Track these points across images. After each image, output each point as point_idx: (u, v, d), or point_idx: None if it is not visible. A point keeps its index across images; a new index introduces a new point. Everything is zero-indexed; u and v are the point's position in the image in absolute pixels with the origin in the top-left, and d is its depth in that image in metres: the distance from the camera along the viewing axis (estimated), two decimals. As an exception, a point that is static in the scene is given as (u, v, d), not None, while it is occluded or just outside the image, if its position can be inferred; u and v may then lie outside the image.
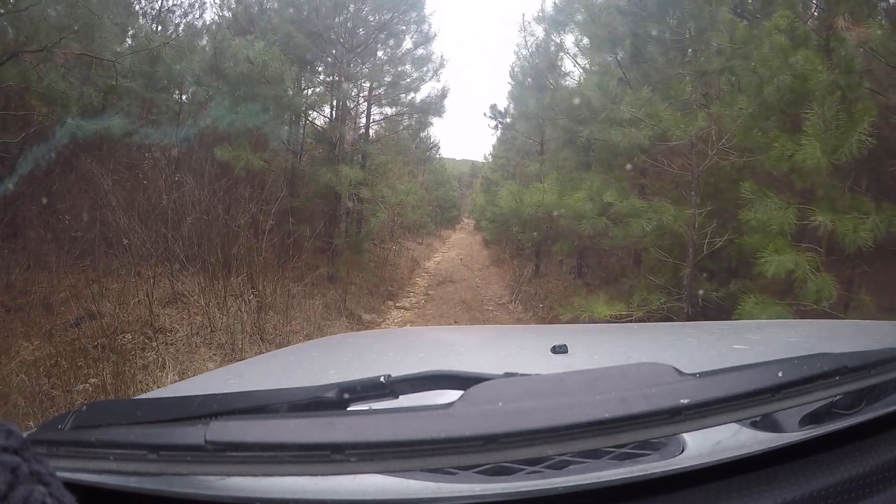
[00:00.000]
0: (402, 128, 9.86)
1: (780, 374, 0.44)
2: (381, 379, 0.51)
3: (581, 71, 7.87)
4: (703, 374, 0.44)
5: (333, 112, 8.51)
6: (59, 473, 0.32)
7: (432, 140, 14.73)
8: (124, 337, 4.06)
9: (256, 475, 0.41)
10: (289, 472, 0.39)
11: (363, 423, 0.39)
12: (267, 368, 1.07)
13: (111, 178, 5.45)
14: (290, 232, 6.34)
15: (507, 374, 0.49)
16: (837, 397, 0.53)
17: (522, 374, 0.49)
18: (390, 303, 7.77)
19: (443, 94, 9.19)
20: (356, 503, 0.45)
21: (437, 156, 18.44)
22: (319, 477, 0.42)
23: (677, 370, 0.44)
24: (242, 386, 0.89)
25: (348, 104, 8.58)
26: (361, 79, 8.49)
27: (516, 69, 9.80)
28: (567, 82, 8.46)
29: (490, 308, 7.66)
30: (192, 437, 0.40)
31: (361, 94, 8.78)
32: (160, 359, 3.86)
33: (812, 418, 0.53)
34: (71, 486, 0.33)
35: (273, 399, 0.50)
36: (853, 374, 0.49)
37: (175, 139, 6.16)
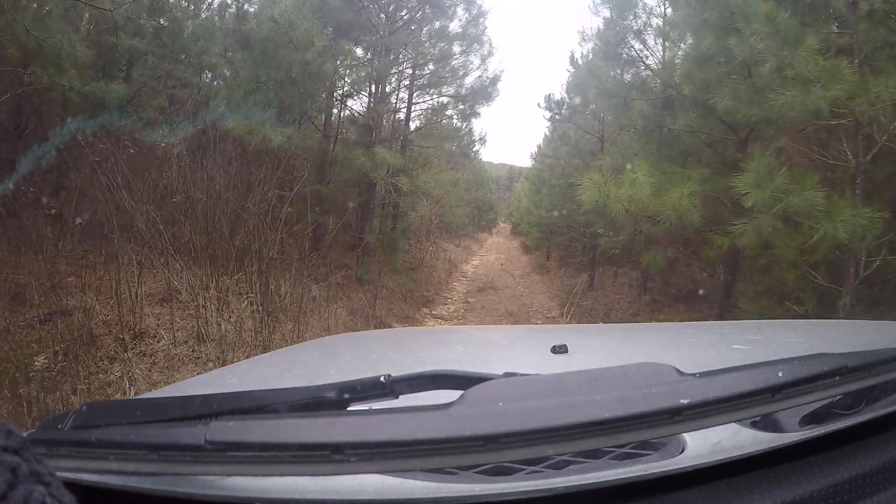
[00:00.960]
0: (446, 116, 8.86)
1: (780, 374, 0.44)
2: (381, 379, 0.51)
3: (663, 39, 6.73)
4: (703, 374, 0.44)
5: (371, 93, 7.64)
6: (58, 473, 0.32)
7: (478, 134, 13.65)
8: (38, 357, 3.16)
9: (256, 475, 0.41)
10: (289, 472, 0.39)
11: (363, 423, 0.39)
12: (267, 368, 1.07)
13: (122, 154, 4.79)
14: (314, 223, 5.63)
15: (507, 374, 0.49)
16: (837, 397, 0.53)
17: (522, 374, 0.49)
18: (425, 310, 7.20)
19: (495, 79, 8.22)
20: (356, 503, 0.45)
21: (480, 154, 17.74)
22: (320, 477, 0.42)
23: (677, 370, 0.44)
24: (242, 386, 0.89)
25: (388, 86, 7.69)
26: (404, 62, 7.63)
27: (577, 55, 9.00)
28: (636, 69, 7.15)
29: (539, 322, 7.02)
30: (192, 437, 0.40)
31: (403, 78, 7.98)
32: (125, 378, 3.14)
33: (812, 418, 0.53)
34: (71, 485, 0.33)
35: (273, 399, 0.50)
36: (853, 374, 0.49)
37: (190, 113, 5.41)
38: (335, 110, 7.94)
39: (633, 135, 7.19)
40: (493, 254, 17.57)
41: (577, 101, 9.74)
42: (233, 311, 4.08)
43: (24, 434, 0.32)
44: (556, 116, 11.33)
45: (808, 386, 0.46)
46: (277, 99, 5.90)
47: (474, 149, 13.01)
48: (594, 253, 8.92)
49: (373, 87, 7.59)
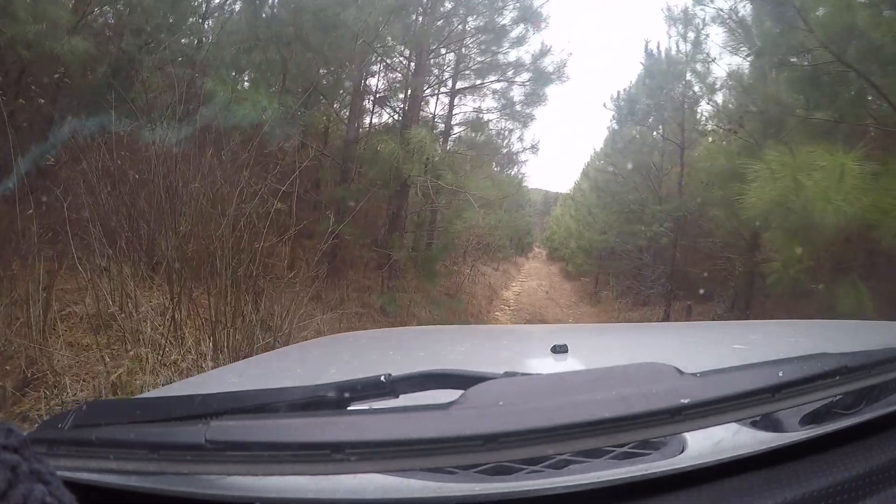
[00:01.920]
0: (497, 109, 7.13)
1: (780, 374, 0.44)
2: (382, 378, 0.51)
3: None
4: (703, 374, 0.44)
5: (407, 65, 6.07)
6: (58, 472, 0.32)
7: (529, 141, 12.07)
8: None
9: (257, 474, 0.41)
10: (289, 471, 0.39)
11: (363, 422, 0.40)
12: (267, 368, 1.07)
13: (109, 140, 3.62)
14: (329, 232, 4.33)
15: (508, 374, 0.49)
16: (837, 397, 0.53)
17: (523, 374, 0.49)
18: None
19: (561, 63, 6.75)
20: (356, 502, 0.45)
21: (525, 167, 16.24)
22: (320, 476, 0.42)
23: (678, 370, 0.44)
24: (243, 385, 0.89)
25: (429, 61, 6.14)
26: (447, 37, 6.05)
27: (650, 43, 8.26)
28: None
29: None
30: (193, 436, 0.40)
31: (445, 67, 6.67)
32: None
33: (812, 418, 0.53)
34: (71, 484, 0.33)
35: (273, 398, 0.50)
36: (853, 374, 0.49)
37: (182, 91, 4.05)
38: (357, 64, 6.08)
39: (750, 128, 5.47)
40: (534, 279, 16.70)
41: (648, 100, 8.71)
42: (189, 351, 2.96)
43: (25, 433, 0.32)
44: (631, 117, 10.02)
45: (809, 386, 0.46)
46: (282, 62, 4.65)
47: (524, 159, 11.08)
48: (671, 283, 7.41)
49: (410, 56, 6.12)
